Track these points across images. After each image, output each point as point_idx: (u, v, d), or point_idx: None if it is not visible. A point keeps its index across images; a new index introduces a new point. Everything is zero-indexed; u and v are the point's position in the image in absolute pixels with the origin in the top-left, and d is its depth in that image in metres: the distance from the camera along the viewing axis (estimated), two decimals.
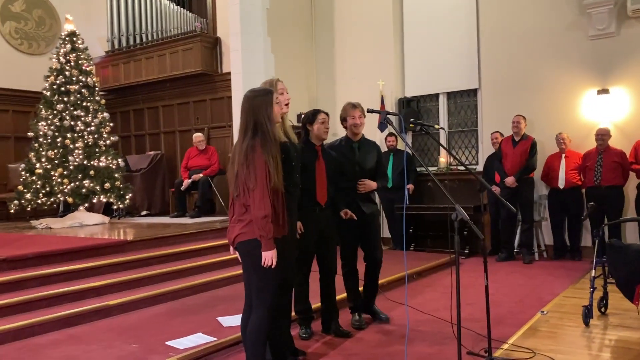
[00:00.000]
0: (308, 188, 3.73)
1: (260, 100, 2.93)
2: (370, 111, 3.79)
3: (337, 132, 8.32)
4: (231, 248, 3.05)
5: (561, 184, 6.71)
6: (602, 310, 4.29)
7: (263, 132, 2.86)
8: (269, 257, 2.83)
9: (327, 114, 3.99)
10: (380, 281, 4.48)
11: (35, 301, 4.27)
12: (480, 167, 7.52)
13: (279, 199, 2.91)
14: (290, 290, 3.50)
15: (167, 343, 3.70)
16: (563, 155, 6.75)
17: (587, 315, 4.00)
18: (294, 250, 3.35)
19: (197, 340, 3.73)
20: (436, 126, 3.94)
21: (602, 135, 6.39)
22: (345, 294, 4.33)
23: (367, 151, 4.23)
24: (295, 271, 3.62)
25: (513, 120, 6.83)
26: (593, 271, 4.15)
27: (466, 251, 7.18)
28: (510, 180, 6.67)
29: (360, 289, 4.35)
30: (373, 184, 4.16)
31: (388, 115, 3.65)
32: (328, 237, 3.93)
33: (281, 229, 2.95)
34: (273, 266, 2.84)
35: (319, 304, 4.09)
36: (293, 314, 3.82)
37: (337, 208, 4.02)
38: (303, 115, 4.03)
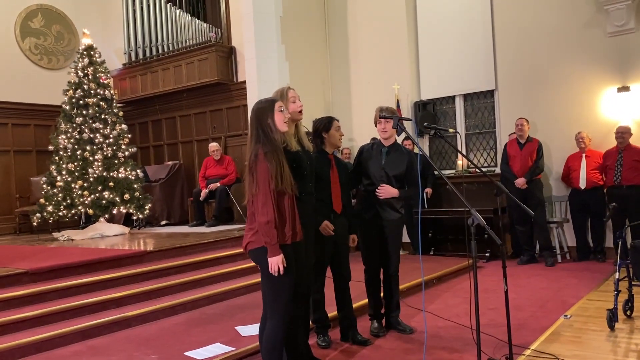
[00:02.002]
0: (323, 196, 3.71)
1: (263, 110, 2.98)
2: (383, 117, 3.76)
3: (353, 137, 8.34)
4: None
5: (582, 184, 6.59)
6: (628, 313, 4.18)
7: (266, 139, 2.90)
8: (274, 263, 2.82)
9: (338, 120, 3.98)
10: (399, 287, 4.41)
11: (57, 313, 4.32)
12: (499, 169, 7.42)
13: (285, 204, 2.91)
14: (307, 299, 3.48)
15: (186, 353, 3.71)
16: (583, 154, 6.63)
17: (611, 319, 3.90)
18: (309, 258, 3.33)
19: (216, 350, 3.73)
20: (450, 130, 3.89)
21: (622, 133, 6.27)
22: (365, 301, 4.30)
23: (397, 157, 4.14)
24: (312, 279, 3.60)
25: (517, 123, 6.78)
26: (617, 273, 4.05)
27: (487, 255, 7.09)
28: (521, 182, 6.60)
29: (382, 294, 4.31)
30: (394, 191, 4.03)
31: (402, 120, 3.63)
32: (341, 244, 3.91)
33: (289, 235, 2.94)
34: (281, 272, 2.83)
35: (336, 312, 4.06)
36: (310, 322, 3.80)
37: (349, 221, 3.99)
38: (316, 124, 3.98)
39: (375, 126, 4.20)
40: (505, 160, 6.88)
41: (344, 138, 7.83)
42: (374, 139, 4.32)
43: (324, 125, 3.90)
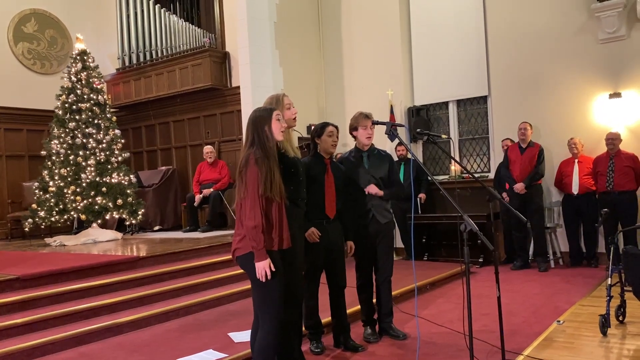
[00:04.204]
0: (317, 201, 3.71)
1: (261, 118, 2.99)
2: (375, 123, 3.77)
3: (347, 142, 8.34)
4: None
5: (575, 189, 6.62)
6: (620, 319, 4.20)
7: (260, 145, 2.91)
8: (261, 268, 2.83)
9: (335, 127, 3.95)
10: (392, 293, 4.41)
11: (48, 319, 4.28)
12: (492, 175, 7.45)
13: (273, 211, 2.91)
14: (299, 305, 3.47)
15: None
16: (576, 160, 6.67)
17: (604, 324, 3.91)
18: (300, 264, 3.33)
19: (208, 356, 3.71)
20: (443, 136, 3.91)
21: (613, 140, 6.31)
22: (359, 306, 4.29)
23: (378, 160, 4.18)
24: (304, 285, 3.58)
25: (519, 127, 6.78)
26: (609, 279, 4.06)
27: (480, 260, 7.10)
28: (519, 187, 6.60)
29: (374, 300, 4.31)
30: (379, 191, 4.05)
31: (395, 126, 3.63)
32: (336, 250, 3.89)
33: (276, 242, 2.94)
34: (269, 277, 2.82)
35: (330, 318, 4.05)
36: (303, 328, 3.79)
37: (346, 228, 3.99)
38: (312, 129, 4.01)
39: (352, 132, 4.17)
40: (506, 164, 6.86)
41: (338, 143, 7.92)
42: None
43: (317, 131, 3.91)
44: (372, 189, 4.03)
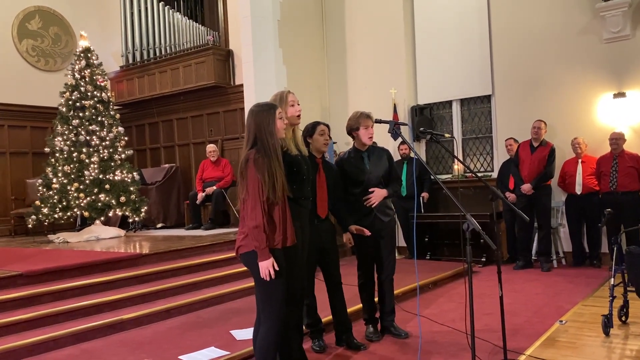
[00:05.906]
0: None
1: (263, 116, 2.94)
2: (378, 121, 3.76)
3: (349, 141, 8.32)
4: None
5: (578, 189, 6.60)
6: (623, 319, 4.19)
7: (263, 146, 2.88)
8: (264, 267, 2.82)
9: (327, 126, 3.93)
10: (395, 292, 4.41)
11: (51, 316, 4.30)
12: (495, 174, 7.44)
13: (276, 210, 2.90)
14: (300, 304, 3.47)
15: (180, 357, 3.69)
16: (579, 160, 6.65)
17: (606, 324, 3.90)
18: (302, 263, 3.32)
19: (210, 354, 3.71)
20: (446, 135, 3.88)
21: (617, 140, 6.27)
22: (360, 305, 4.28)
23: (378, 158, 4.17)
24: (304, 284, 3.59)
25: (533, 125, 6.66)
26: (612, 279, 4.05)
27: (483, 259, 7.09)
28: (526, 188, 6.56)
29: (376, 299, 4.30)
30: (383, 192, 4.05)
31: (398, 125, 3.62)
32: (328, 248, 3.89)
33: (280, 240, 2.93)
34: (272, 276, 2.82)
35: (331, 316, 4.05)
36: (304, 327, 3.79)
37: (345, 224, 3.98)
38: (304, 129, 3.97)
39: (351, 132, 4.14)
40: (516, 162, 6.79)
41: (341, 142, 7.92)
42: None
43: (308, 130, 3.90)
44: (377, 198, 4.01)
